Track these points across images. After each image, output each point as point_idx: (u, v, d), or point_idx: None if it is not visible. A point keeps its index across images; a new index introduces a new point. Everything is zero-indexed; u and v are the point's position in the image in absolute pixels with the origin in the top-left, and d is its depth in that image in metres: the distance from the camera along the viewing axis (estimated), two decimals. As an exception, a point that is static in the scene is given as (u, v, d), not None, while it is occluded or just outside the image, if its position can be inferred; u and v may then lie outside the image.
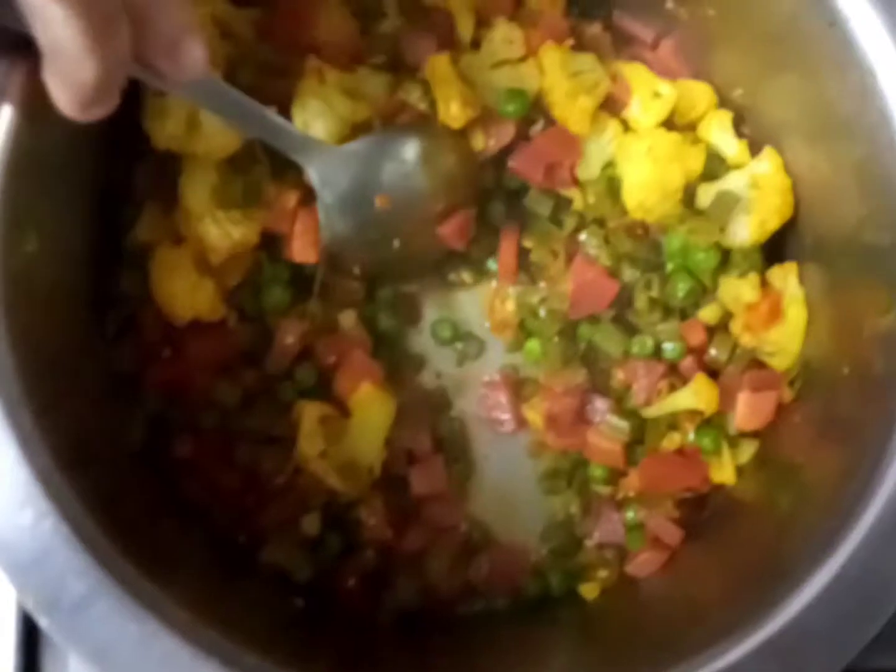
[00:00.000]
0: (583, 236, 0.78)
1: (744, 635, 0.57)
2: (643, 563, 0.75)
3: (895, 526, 0.59)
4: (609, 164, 0.77)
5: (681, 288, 0.76)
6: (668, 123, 0.78)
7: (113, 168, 0.73)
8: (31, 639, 0.74)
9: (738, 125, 0.78)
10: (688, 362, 0.77)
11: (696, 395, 0.75)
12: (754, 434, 0.76)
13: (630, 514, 0.77)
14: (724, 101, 0.79)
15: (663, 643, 0.64)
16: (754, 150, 0.77)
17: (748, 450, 0.77)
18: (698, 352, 0.77)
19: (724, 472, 0.76)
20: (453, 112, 0.73)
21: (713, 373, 0.77)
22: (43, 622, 0.55)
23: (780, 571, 0.61)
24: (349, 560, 0.74)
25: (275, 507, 0.73)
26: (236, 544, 0.72)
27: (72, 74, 0.44)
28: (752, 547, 0.70)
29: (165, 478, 0.72)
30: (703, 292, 0.77)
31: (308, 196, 0.74)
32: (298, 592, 0.71)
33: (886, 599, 0.57)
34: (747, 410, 0.75)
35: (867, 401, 0.65)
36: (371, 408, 0.75)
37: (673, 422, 0.77)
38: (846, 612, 0.57)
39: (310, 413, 0.73)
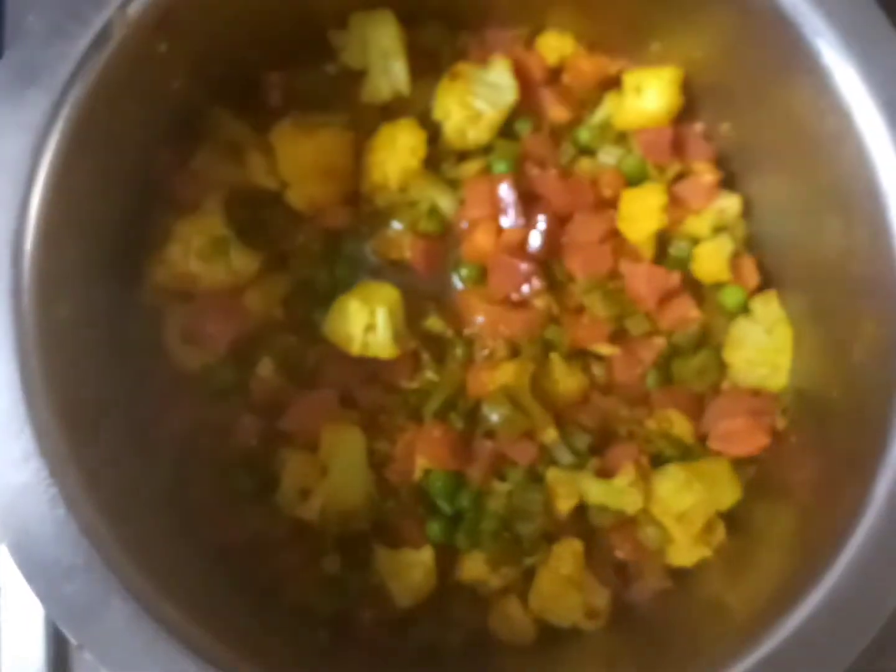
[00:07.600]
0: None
1: (740, 655, 0.60)
2: (641, 590, 0.77)
3: (882, 548, 0.62)
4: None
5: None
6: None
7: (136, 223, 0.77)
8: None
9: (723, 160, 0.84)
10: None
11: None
12: (752, 459, 0.79)
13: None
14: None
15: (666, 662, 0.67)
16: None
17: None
18: None
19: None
20: None
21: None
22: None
23: (776, 592, 0.65)
24: (369, 596, 0.75)
25: (290, 550, 0.75)
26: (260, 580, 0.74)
27: None
28: (750, 568, 0.73)
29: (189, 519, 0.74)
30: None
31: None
32: (322, 624, 0.73)
33: (871, 621, 0.60)
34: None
35: (856, 424, 0.68)
36: (340, 444, 0.76)
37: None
38: (835, 631, 0.60)
39: (293, 463, 0.75)
